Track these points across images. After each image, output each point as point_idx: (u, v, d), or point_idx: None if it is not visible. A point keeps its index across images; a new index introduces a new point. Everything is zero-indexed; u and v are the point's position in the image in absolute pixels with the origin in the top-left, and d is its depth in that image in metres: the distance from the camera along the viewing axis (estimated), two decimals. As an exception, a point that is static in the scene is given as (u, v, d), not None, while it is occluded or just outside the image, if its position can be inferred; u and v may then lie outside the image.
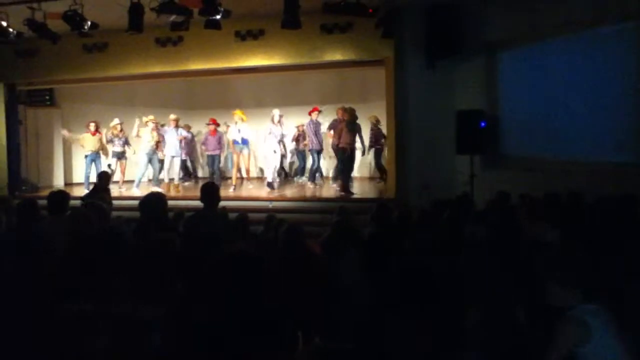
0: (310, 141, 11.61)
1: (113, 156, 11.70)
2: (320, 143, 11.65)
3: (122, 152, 11.71)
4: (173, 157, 11.38)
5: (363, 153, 11.57)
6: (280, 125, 10.95)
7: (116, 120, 11.46)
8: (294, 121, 12.63)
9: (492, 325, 2.87)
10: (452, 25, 8.59)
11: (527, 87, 7.90)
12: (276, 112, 10.89)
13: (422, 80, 9.14)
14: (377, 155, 11.97)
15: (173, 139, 11.24)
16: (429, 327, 2.77)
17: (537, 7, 7.32)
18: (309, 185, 11.54)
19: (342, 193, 9.86)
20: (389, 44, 9.28)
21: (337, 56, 9.89)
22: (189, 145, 13.25)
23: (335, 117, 10.87)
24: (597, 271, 2.82)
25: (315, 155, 11.67)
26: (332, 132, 10.81)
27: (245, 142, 10.96)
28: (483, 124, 7.97)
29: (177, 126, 11.38)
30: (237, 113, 10.86)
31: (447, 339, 2.78)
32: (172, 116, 11.43)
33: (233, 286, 2.78)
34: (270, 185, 10.70)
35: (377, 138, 11.74)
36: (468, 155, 8.08)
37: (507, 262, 3.38)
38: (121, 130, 11.53)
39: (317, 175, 11.79)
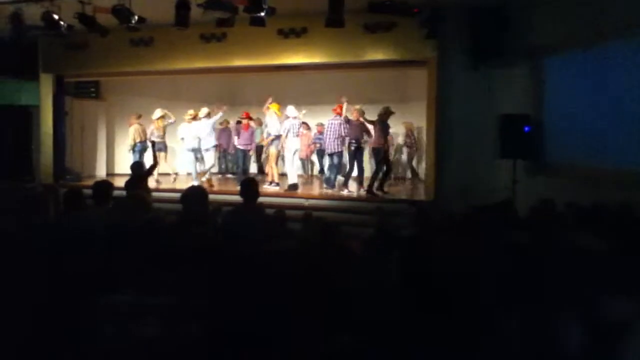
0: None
1: (158, 149, 11.53)
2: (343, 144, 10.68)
3: (163, 143, 11.72)
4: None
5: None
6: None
7: (158, 112, 11.52)
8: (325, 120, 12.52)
9: (531, 336, 2.79)
10: (498, 27, 8.47)
11: (574, 92, 7.64)
12: (291, 108, 10.40)
13: (465, 83, 9.07)
14: (411, 159, 13.27)
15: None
16: (461, 333, 2.71)
17: (584, 12, 7.09)
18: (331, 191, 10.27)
19: (368, 193, 9.73)
20: (432, 45, 9.18)
21: (379, 56, 9.82)
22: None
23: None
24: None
25: (336, 159, 10.45)
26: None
27: (268, 135, 10.58)
28: (527, 129, 7.79)
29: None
30: (273, 106, 10.55)
31: (479, 346, 2.72)
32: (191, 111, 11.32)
33: (265, 282, 2.78)
34: (294, 186, 10.31)
35: (411, 143, 13.06)
36: (511, 160, 7.91)
37: (550, 271, 3.28)
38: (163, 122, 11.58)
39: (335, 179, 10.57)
